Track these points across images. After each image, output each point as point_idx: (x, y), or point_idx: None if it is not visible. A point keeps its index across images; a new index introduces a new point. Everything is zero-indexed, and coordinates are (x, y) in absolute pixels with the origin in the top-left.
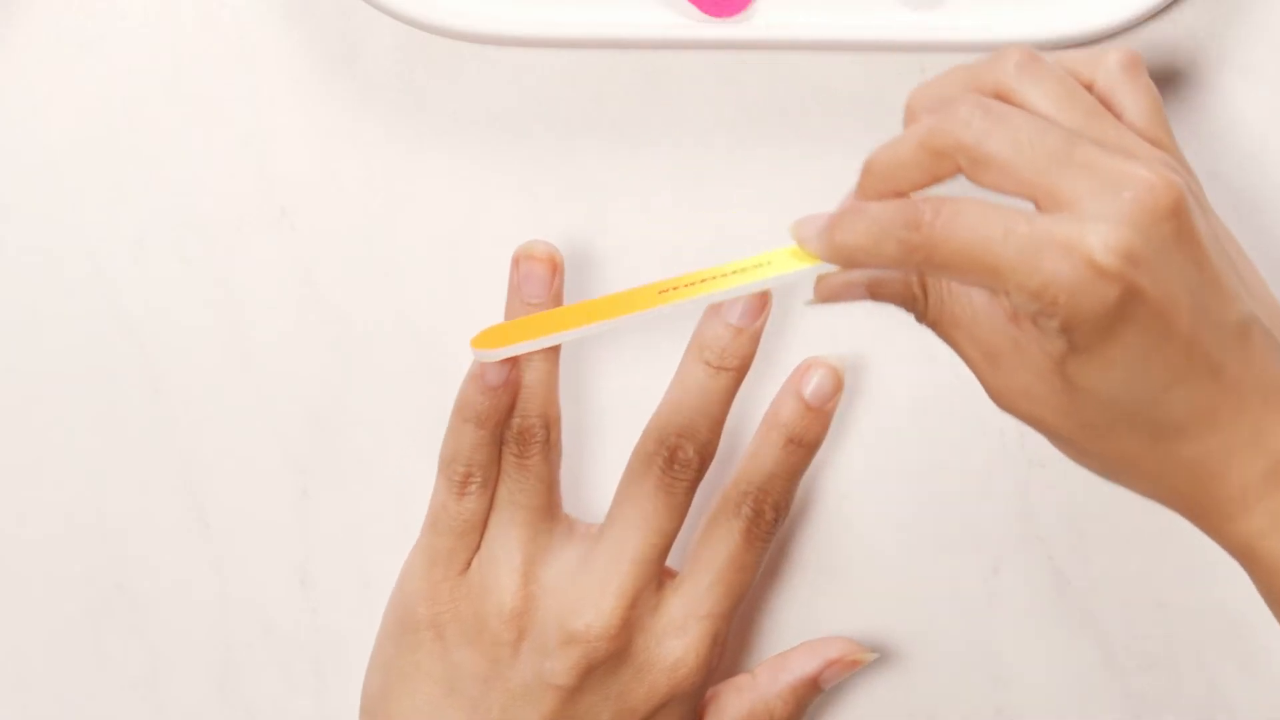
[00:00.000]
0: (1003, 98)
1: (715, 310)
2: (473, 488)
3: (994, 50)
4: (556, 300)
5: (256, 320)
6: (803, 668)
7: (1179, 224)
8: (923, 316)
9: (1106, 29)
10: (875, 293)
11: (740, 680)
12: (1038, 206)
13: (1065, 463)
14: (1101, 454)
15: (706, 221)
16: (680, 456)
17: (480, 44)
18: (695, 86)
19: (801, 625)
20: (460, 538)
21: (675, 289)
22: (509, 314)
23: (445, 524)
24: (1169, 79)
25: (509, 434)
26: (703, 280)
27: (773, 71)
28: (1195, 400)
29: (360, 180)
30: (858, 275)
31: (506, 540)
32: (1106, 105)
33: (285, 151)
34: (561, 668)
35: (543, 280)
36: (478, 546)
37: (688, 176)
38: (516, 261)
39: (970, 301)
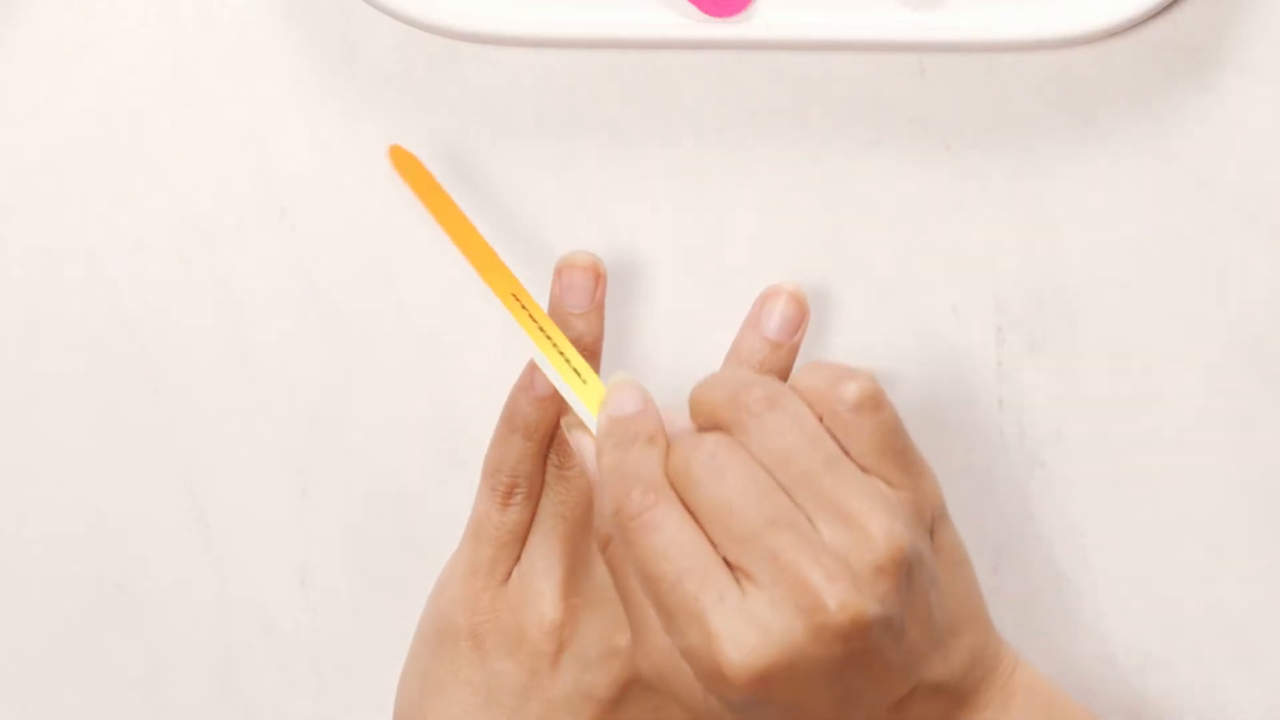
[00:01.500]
0: (740, 431)
1: (753, 324)
2: (517, 498)
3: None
4: (599, 310)
5: (256, 320)
6: None
7: (845, 647)
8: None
9: (1106, 28)
10: None
11: None
12: (728, 565)
13: (1065, 462)
14: None
15: (706, 221)
16: None
17: (480, 44)
18: (695, 86)
19: None
20: (502, 548)
21: (525, 308)
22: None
23: (488, 533)
24: (1169, 79)
25: (552, 446)
26: (542, 328)
27: (773, 71)
28: None
29: (360, 180)
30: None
31: (548, 552)
32: (834, 439)
33: (285, 151)
34: (603, 681)
35: (585, 290)
36: (519, 557)
37: (688, 176)
38: (559, 272)
39: None
